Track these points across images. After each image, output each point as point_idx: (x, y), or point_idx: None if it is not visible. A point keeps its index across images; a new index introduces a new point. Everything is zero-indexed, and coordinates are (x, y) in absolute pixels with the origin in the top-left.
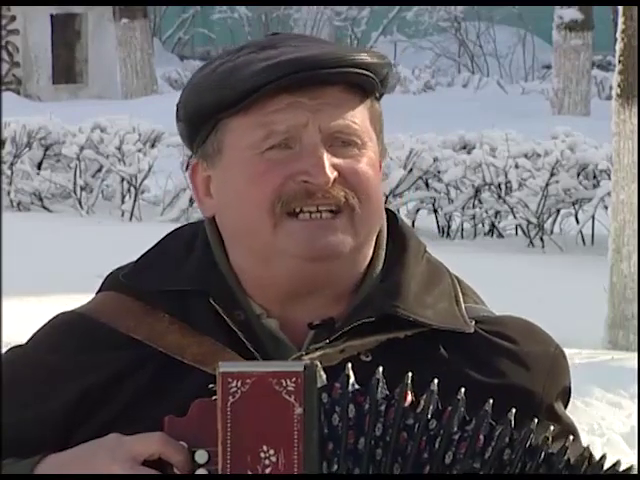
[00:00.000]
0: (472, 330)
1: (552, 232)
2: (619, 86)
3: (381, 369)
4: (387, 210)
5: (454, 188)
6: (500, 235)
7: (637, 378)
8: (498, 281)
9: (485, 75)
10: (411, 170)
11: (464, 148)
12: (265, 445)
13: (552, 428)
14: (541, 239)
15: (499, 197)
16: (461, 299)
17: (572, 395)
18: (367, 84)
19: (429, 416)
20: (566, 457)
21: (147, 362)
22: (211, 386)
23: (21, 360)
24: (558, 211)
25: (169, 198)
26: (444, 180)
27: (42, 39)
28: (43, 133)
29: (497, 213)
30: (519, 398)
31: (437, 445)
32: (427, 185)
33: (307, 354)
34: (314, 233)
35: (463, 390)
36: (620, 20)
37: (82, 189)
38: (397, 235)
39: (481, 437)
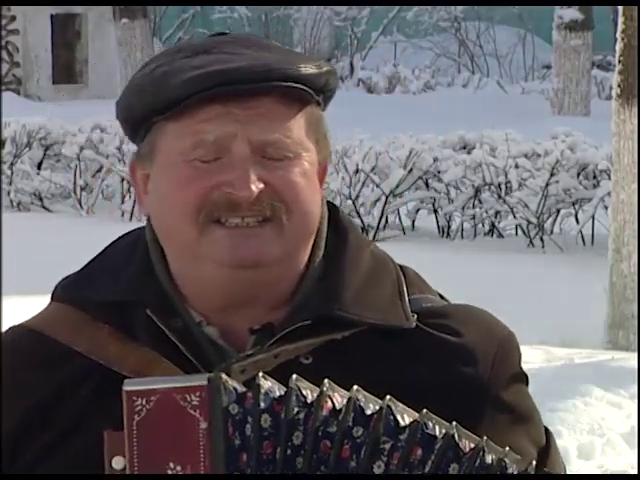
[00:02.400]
0: (413, 325)
1: (552, 232)
2: (619, 86)
3: (295, 377)
4: (329, 204)
5: (454, 188)
6: (500, 235)
7: (637, 378)
8: (498, 281)
9: (485, 75)
10: (411, 170)
11: (464, 148)
12: (172, 462)
13: (499, 417)
14: (541, 239)
15: (499, 197)
16: (405, 293)
17: (572, 395)
18: (301, 95)
19: (350, 423)
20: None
21: (90, 375)
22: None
23: None
24: (558, 211)
25: None
26: (444, 180)
27: (42, 39)
28: (43, 133)
29: (497, 213)
30: (463, 393)
31: (362, 454)
32: (427, 185)
33: (238, 362)
34: (237, 241)
35: (403, 390)
36: (620, 20)
37: (82, 189)
38: (338, 231)
39: (417, 448)
